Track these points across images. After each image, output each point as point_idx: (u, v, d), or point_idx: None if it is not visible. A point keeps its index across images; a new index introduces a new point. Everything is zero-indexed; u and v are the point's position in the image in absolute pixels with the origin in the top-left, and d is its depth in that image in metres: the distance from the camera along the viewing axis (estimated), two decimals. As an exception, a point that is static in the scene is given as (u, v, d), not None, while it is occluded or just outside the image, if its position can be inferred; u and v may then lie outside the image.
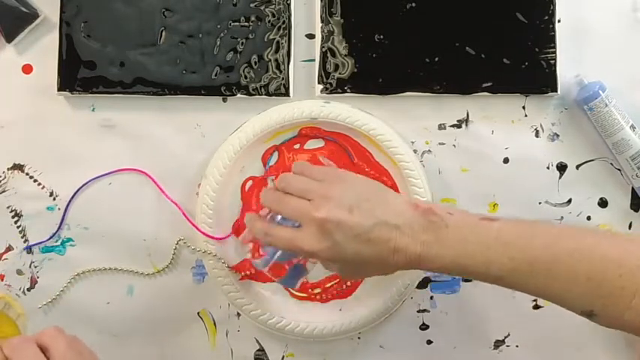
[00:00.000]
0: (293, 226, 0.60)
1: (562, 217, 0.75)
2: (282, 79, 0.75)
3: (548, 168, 0.76)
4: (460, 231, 0.58)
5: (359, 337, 0.77)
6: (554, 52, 0.74)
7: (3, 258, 0.76)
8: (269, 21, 0.75)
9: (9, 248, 0.76)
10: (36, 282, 0.76)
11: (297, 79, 0.75)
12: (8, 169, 0.76)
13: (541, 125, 0.76)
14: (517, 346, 0.77)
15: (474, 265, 0.57)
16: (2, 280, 0.76)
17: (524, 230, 0.58)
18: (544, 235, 0.58)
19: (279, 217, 0.62)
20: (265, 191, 0.64)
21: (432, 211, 0.58)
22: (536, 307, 0.76)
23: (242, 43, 0.75)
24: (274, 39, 0.75)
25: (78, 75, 0.75)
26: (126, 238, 0.76)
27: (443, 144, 0.76)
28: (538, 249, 0.57)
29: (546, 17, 0.74)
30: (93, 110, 0.76)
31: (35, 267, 0.76)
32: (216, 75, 0.75)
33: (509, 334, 0.77)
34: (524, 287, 0.58)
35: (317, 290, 0.76)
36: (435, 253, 0.57)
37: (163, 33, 0.75)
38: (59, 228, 0.76)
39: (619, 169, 0.76)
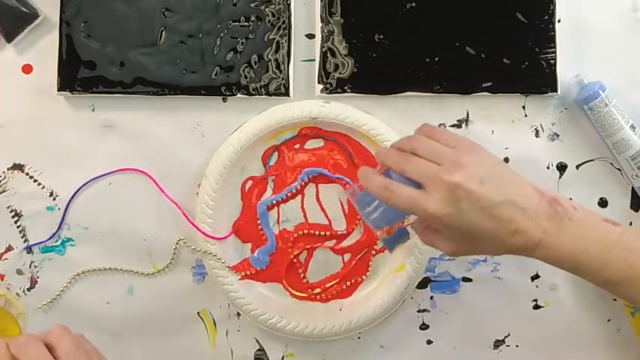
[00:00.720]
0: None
1: (562, 217, 0.75)
2: (282, 79, 0.75)
3: (548, 168, 0.76)
4: (582, 227, 0.57)
5: (359, 337, 0.77)
6: (554, 52, 0.74)
7: (3, 258, 0.76)
8: (269, 21, 0.75)
9: (9, 248, 0.76)
10: (36, 282, 0.76)
11: (297, 79, 0.75)
12: (8, 169, 0.76)
13: (541, 125, 0.76)
14: (517, 346, 0.77)
15: (590, 264, 0.57)
16: (2, 280, 0.76)
17: None
18: None
19: (395, 176, 0.59)
20: (386, 150, 0.61)
21: (558, 201, 0.58)
22: (537, 307, 0.76)
23: (242, 43, 0.75)
24: (274, 39, 0.75)
25: (78, 75, 0.75)
26: (126, 238, 0.76)
27: (443, 144, 0.76)
28: None
29: (546, 17, 0.74)
30: (93, 110, 0.76)
31: (35, 267, 0.76)
32: (216, 75, 0.75)
33: (509, 334, 0.77)
34: (635, 297, 0.58)
35: (317, 290, 0.76)
36: (553, 243, 0.57)
37: (163, 33, 0.75)
38: (59, 228, 0.76)
39: (619, 169, 0.76)
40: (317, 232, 0.76)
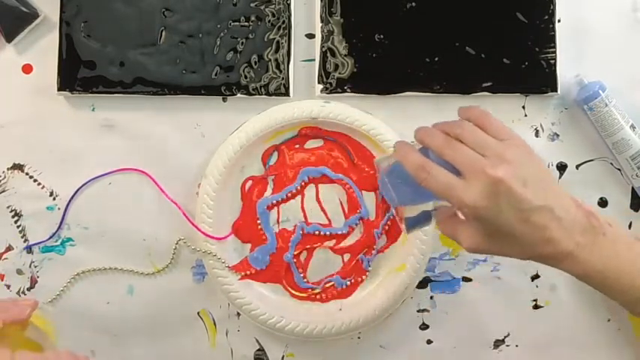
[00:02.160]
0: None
1: (562, 217, 0.75)
2: (282, 78, 0.75)
3: (548, 167, 0.76)
4: (615, 244, 0.56)
5: (359, 337, 0.77)
6: (554, 52, 0.74)
7: (3, 258, 0.76)
8: (269, 21, 0.75)
9: (9, 248, 0.76)
10: (36, 282, 0.76)
11: (297, 79, 0.75)
12: (8, 169, 0.76)
13: (541, 125, 0.76)
14: (517, 346, 0.77)
15: (618, 284, 0.56)
16: (2, 280, 0.76)
17: None
18: None
19: (433, 157, 0.58)
20: (429, 130, 0.59)
21: (594, 215, 0.57)
22: (536, 307, 0.76)
23: (242, 42, 0.75)
24: (274, 39, 0.75)
25: (78, 75, 0.75)
26: (126, 238, 0.76)
27: (443, 144, 0.75)
28: None
29: (546, 17, 0.74)
30: (93, 110, 0.76)
31: (35, 267, 0.76)
32: (216, 75, 0.75)
33: (509, 334, 0.77)
34: None
35: (317, 290, 0.76)
36: (584, 257, 0.55)
37: (163, 33, 0.75)
38: (59, 228, 0.76)
39: (619, 169, 0.76)
40: (317, 232, 0.76)
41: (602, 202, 0.76)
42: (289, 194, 0.76)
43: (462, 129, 0.58)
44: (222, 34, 0.75)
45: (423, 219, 0.62)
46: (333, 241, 0.76)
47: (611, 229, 0.57)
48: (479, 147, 0.56)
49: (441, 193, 0.56)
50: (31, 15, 0.74)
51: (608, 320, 0.77)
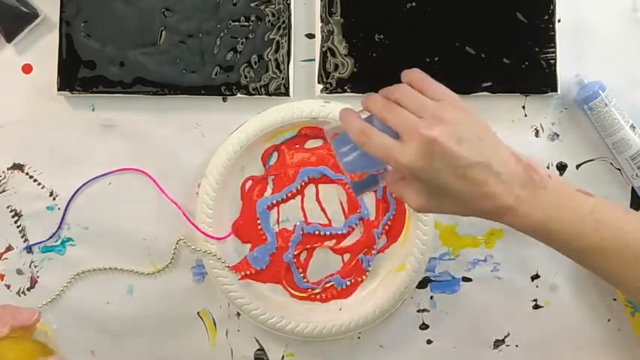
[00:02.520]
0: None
1: (562, 217, 0.75)
2: (282, 78, 0.75)
3: (548, 168, 0.76)
4: (556, 196, 0.57)
5: (359, 337, 0.77)
6: (554, 52, 0.74)
7: (3, 258, 0.76)
8: (269, 21, 0.75)
9: (9, 248, 0.76)
10: (36, 282, 0.76)
11: (297, 78, 0.75)
12: (8, 168, 0.76)
13: (541, 125, 0.76)
14: (517, 346, 0.77)
15: (561, 233, 0.57)
16: (2, 280, 0.76)
17: (620, 213, 0.58)
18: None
19: (377, 123, 0.59)
20: (372, 96, 0.61)
21: (534, 169, 0.57)
22: (537, 307, 0.76)
23: (242, 42, 0.75)
24: (274, 39, 0.75)
25: (78, 75, 0.75)
26: (126, 238, 0.76)
27: (443, 144, 0.75)
28: (631, 235, 0.56)
29: (546, 17, 0.74)
30: (93, 110, 0.76)
31: (35, 267, 0.76)
32: (216, 75, 0.75)
33: (509, 334, 0.77)
34: (603, 270, 0.58)
35: (317, 290, 0.76)
36: (525, 210, 0.56)
37: (163, 33, 0.75)
38: (59, 228, 0.76)
39: (619, 169, 0.76)
40: (317, 232, 0.76)
41: (602, 202, 0.76)
42: (289, 194, 0.76)
43: (400, 92, 0.59)
44: (222, 34, 0.75)
45: (370, 182, 0.63)
46: (333, 241, 0.76)
47: (551, 181, 0.57)
48: (416, 109, 0.57)
49: (381, 155, 0.57)
50: (31, 15, 0.74)
51: (608, 320, 0.77)
